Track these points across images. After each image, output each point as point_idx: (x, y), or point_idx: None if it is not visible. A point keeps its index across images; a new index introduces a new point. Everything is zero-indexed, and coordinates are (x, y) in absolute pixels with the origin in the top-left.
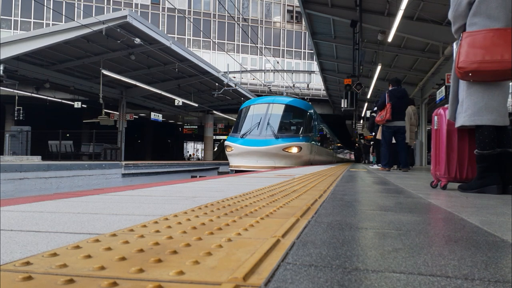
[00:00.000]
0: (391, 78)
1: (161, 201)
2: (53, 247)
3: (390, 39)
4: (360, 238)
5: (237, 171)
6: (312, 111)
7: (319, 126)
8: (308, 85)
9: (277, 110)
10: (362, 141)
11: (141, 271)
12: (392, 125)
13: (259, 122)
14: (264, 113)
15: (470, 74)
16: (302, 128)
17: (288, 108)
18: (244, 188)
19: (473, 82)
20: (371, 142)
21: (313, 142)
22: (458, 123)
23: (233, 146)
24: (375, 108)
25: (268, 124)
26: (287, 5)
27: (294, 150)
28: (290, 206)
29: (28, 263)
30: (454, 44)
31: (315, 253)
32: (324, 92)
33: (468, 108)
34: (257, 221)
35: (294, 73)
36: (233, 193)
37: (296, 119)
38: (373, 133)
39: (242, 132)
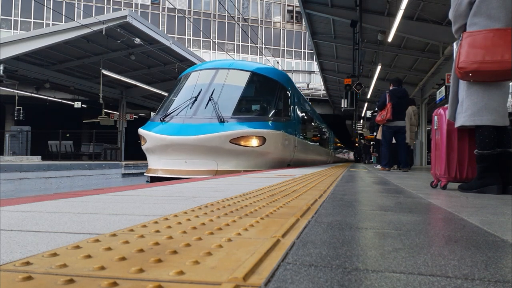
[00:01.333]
0: (392, 78)
1: (161, 201)
2: (53, 247)
3: (390, 39)
4: (360, 238)
5: (154, 180)
6: (289, 85)
7: (303, 109)
8: (308, 85)
9: (232, 79)
10: (362, 141)
11: (141, 271)
12: (393, 125)
13: (196, 97)
14: (208, 84)
15: (470, 74)
16: (271, 108)
17: (250, 78)
18: (244, 188)
19: (473, 82)
20: (372, 142)
21: (291, 132)
22: (458, 123)
23: (147, 136)
24: (376, 109)
25: (210, 100)
26: (287, 5)
27: (254, 142)
28: (290, 206)
29: (28, 263)
30: (454, 44)
31: (315, 253)
32: (324, 92)
33: (468, 108)
34: (257, 221)
35: (294, 73)
36: (233, 193)
37: (262, 95)
38: (374, 133)
39: (166, 112)
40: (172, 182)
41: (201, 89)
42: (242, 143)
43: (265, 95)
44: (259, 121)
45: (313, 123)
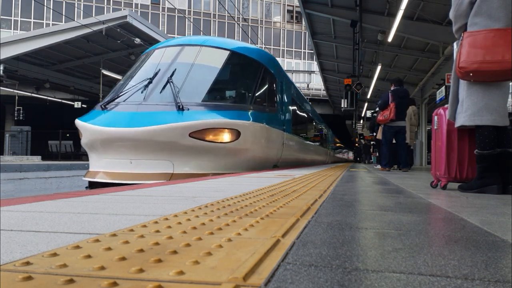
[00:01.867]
0: (393, 78)
1: (161, 201)
2: (53, 247)
3: (390, 39)
4: (360, 238)
5: (93, 186)
6: (277, 70)
7: (295, 101)
8: (308, 85)
9: (205, 58)
10: (362, 141)
11: (141, 271)
12: (395, 125)
13: (152, 79)
14: (171, 63)
15: (471, 74)
16: (250, 95)
17: (227, 58)
18: (244, 188)
19: (474, 82)
20: (372, 142)
21: (277, 126)
22: (458, 123)
23: (82, 129)
24: (377, 108)
25: (169, 82)
26: (287, 5)
27: (225, 137)
28: (290, 206)
29: (28, 263)
30: (455, 44)
31: (315, 253)
32: (324, 92)
33: (468, 108)
34: (257, 221)
35: (294, 73)
36: (233, 193)
37: (241, 78)
38: (374, 133)
39: (110, 99)
40: (172, 182)
41: (162, 69)
42: (208, 137)
43: (244, 79)
44: (233, 109)
45: (308, 118)
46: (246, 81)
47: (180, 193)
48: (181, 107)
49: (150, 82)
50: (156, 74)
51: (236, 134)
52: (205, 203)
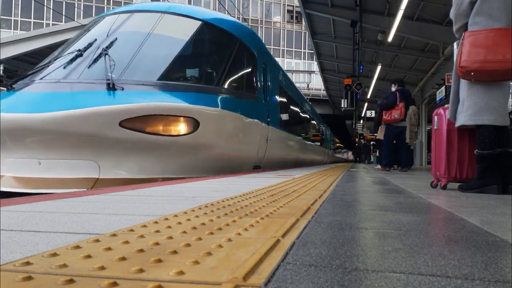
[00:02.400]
0: (394, 78)
1: (161, 201)
2: (53, 247)
3: (390, 39)
4: (360, 238)
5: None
6: (259, 48)
7: (284, 89)
8: (308, 85)
9: (166, 28)
10: (362, 141)
11: (141, 271)
12: (400, 125)
13: (84, 51)
14: (118, 32)
15: (472, 73)
16: (219, 76)
17: (195, 29)
18: (244, 188)
19: (474, 81)
20: (372, 142)
21: (258, 117)
22: (458, 123)
23: None
24: (378, 108)
25: (104, 55)
26: (287, 5)
27: (178, 128)
28: (290, 206)
29: (28, 263)
30: (455, 44)
31: (315, 253)
32: (324, 92)
33: (469, 107)
34: (257, 221)
35: (294, 73)
36: (233, 193)
37: (209, 54)
38: (375, 134)
39: (25, 75)
40: (172, 182)
41: (106, 40)
42: (151, 128)
43: (213, 55)
44: (189, 91)
45: (302, 112)
46: (214, 57)
47: (180, 193)
48: (111, 85)
49: (80, 55)
50: (93, 45)
51: (193, 124)
52: (205, 203)
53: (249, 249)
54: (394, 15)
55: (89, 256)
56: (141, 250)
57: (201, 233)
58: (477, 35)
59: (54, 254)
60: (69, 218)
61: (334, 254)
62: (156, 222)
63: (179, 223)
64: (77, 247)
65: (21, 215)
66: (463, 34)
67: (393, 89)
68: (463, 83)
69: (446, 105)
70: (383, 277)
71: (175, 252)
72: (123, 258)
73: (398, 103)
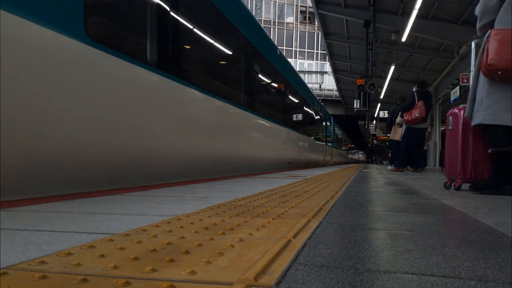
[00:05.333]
0: (416, 79)
1: (174, 201)
2: (68, 246)
3: (404, 39)
4: (372, 239)
5: None
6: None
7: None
8: (320, 85)
9: None
10: (375, 141)
11: (154, 270)
12: (421, 127)
13: None
14: None
15: (499, 72)
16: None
17: None
18: (256, 189)
19: (496, 81)
20: (386, 143)
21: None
22: (475, 121)
23: None
24: (392, 108)
25: None
26: (300, 5)
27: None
28: (302, 207)
29: (43, 262)
30: (473, 43)
31: (327, 253)
32: (337, 92)
33: (488, 107)
34: (269, 222)
35: (306, 74)
36: (244, 194)
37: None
38: (388, 134)
39: None
40: (184, 182)
41: None
42: None
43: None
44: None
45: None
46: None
47: (193, 193)
48: None
49: None
50: None
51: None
52: (217, 203)
53: (261, 249)
54: (408, 15)
55: (102, 256)
56: (154, 250)
57: (213, 233)
58: (506, 33)
59: (69, 254)
60: (83, 218)
61: (346, 255)
62: (169, 222)
63: (191, 223)
64: (91, 246)
65: (36, 215)
66: (488, 32)
67: (416, 89)
68: (482, 81)
69: (460, 105)
70: (395, 278)
71: (187, 252)
72: (136, 258)
73: (417, 102)
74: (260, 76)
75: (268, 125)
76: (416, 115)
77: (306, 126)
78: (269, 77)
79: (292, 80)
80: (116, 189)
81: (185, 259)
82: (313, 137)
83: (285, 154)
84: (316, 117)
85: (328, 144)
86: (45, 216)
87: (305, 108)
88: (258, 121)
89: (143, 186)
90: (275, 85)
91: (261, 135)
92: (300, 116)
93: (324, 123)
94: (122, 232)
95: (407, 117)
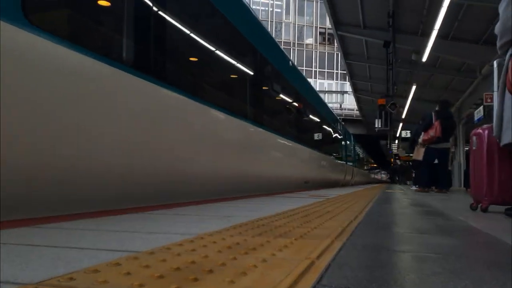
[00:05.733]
0: (439, 99)
1: (196, 220)
2: (95, 263)
3: (424, 59)
4: (397, 261)
5: None
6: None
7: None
8: (341, 105)
9: None
10: (398, 161)
11: None
12: (439, 147)
13: None
14: None
15: None
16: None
17: None
18: (277, 208)
19: None
20: (409, 163)
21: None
22: (505, 141)
23: None
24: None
25: None
26: (319, 27)
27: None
28: (324, 227)
29: (71, 279)
30: (495, 63)
31: (351, 275)
32: (358, 112)
33: None
34: (291, 242)
35: (326, 94)
36: (266, 213)
37: None
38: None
39: None
40: (206, 201)
41: None
42: None
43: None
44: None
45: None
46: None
47: (215, 212)
48: None
49: None
50: None
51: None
52: (239, 223)
53: (284, 270)
54: (428, 35)
55: (128, 273)
56: (178, 269)
57: (236, 253)
58: None
59: (96, 271)
60: (109, 235)
61: (371, 277)
62: (192, 241)
63: (214, 242)
64: (117, 264)
65: (65, 232)
66: (510, 50)
67: (436, 109)
68: (509, 100)
69: (484, 125)
70: None
71: (211, 271)
72: (161, 276)
73: (434, 122)
74: (278, 95)
75: (281, 141)
76: (431, 134)
77: (324, 144)
78: (287, 96)
79: (310, 99)
80: (141, 207)
81: (209, 278)
82: (332, 156)
83: (299, 172)
84: (334, 135)
85: (348, 163)
86: (73, 233)
87: (321, 124)
88: (271, 137)
89: (166, 205)
90: (292, 102)
91: (274, 152)
92: (317, 134)
93: (344, 142)
94: (147, 250)
95: (424, 136)
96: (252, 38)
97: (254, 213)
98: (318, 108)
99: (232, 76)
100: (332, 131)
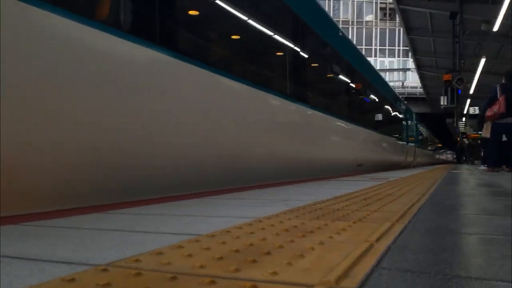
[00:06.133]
0: (506, 72)
1: (255, 204)
2: (159, 246)
3: (495, 28)
4: (462, 244)
5: None
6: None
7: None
8: (403, 83)
9: None
10: (465, 140)
11: (237, 270)
12: (505, 122)
13: None
14: None
15: None
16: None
17: None
18: (335, 192)
19: None
20: (478, 141)
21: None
22: None
23: None
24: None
25: None
26: (380, 2)
27: None
28: (385, 211)
29: (137, 260)
30: None
31: (412, 258)
32: (421, 89)
33: None
34: (350, 225)
35: (388, 72)
36: (323, 197)
37: None
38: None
39: None
40: (263, 186)
41: None
42: None
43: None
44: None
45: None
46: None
47: (272, 196)
48: None
49: None
50: None
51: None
52: (296, 206)
53: (342, 252)
54: (500, 3)
55: (190, 255)
56: (237, 251)
57: (294, 236)
58: None
59: (160, 253)
60: (173, 220)
61: (433, 260)
62: (251, 224)
63: (272, 225)
64: (180, 246)
65: (132, 217)
66: None
67: (502, 82)
68: None
69: None
70: (488, 285)
71: (268, 253)
72: (221, 258)
73: (498, 97)
74: (327, 72)
75: (328, 119)
76: (495, 110)
77: (380, 123)
78: (342, 75)
79: (366, 75)
80: (202, 192)
81: (267, 260)
82: (390, 136)
83: (351, 154)
84: (392, 113)
85: (409, 143)
86: (138, 218)
87: (375, 102)
88: (316, 116)
89: (225, 190)
90: (348, 81)
91: (319, 131)
92: (372, 113)
93: (404, 121)
94: (208, 233)
95: (488, 112)
96: (306, 16)
97: (311, 196)
98: (374, 85)
99: (291, 62)
100: (389, 109)
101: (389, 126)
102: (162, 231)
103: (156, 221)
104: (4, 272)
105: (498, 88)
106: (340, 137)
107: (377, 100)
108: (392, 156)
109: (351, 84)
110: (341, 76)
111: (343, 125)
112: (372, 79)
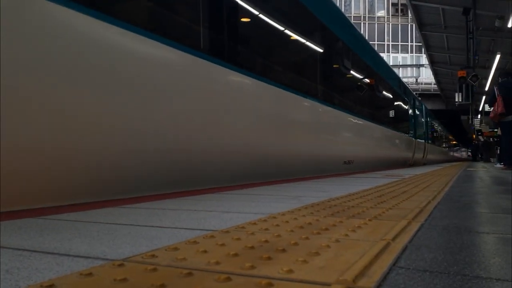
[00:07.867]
0: (500, 71)
1: (268, 200)
2: (174, 241)
3: (510, 24)
4: (481, 243)
5: None
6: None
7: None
8: (416, 79)
9: None
10: (480, 137)
11: (253, 267)
12: (508, 120)
13: None
14: None
15: None
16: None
17: None
18: (350, 188)
19: None
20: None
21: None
22: None
23: None
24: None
25: None
26: None
27: None
28: (400, 208)
29: (153, 256)
30: None
31: (430, 258)
32: (435, 86)
33: None
34: (365, 223)
35: (401, 68)
36: (338, 193)
37: None
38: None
39: None
40: (277, 182)
41: None
42: None
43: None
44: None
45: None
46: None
47: (286, 192)
48: None
49: None
50: None
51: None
52: (310, 203)
53: (358, 251)
54: None
55: (205, 251)
56: (252, 247)
57: (308, 233)
58: None
59: (176, 249)
60: (187, 215)
61: (452, 260)
62: (265, 220)
63: (287, 221)
64: (195, 242)
65: (146, 212)
66: None
67: (499, 82)
68: None
69: None
70: (509, 287)
71: (283, 250)
72: (236, 254)
73: (496, 97)
74: (339, 69)
75: (325, 109)
76: (495, 110)
77: (384, 117)
78: (350, 69)
79: (373, 66)
80: (215, 187)
81: (282, 257)
82: (392, 128)
83: (341, 150)
84: (398, 108)
85: (418, 139)
86: (154, 213)
87: (411, 108)
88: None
89: (239, 185)
90: (356, 76)
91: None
92: (375, 107)
93: (413, 114)
94: (222, 229)
95: (491, 113)
96: (321, 14)
97: (325, 193)
98: (380, 79)
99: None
100: (391, 97)
101: (391, 117)
102: (177, 226)
103: (171, 216)
104: (22, 265)
105: (495, 88)
106: (320, 127)
107: (377, 86)
108: (394, 151)
109: (336, 60)
110: (347, 73)
111: (321, 109)
112: (370, 61)
